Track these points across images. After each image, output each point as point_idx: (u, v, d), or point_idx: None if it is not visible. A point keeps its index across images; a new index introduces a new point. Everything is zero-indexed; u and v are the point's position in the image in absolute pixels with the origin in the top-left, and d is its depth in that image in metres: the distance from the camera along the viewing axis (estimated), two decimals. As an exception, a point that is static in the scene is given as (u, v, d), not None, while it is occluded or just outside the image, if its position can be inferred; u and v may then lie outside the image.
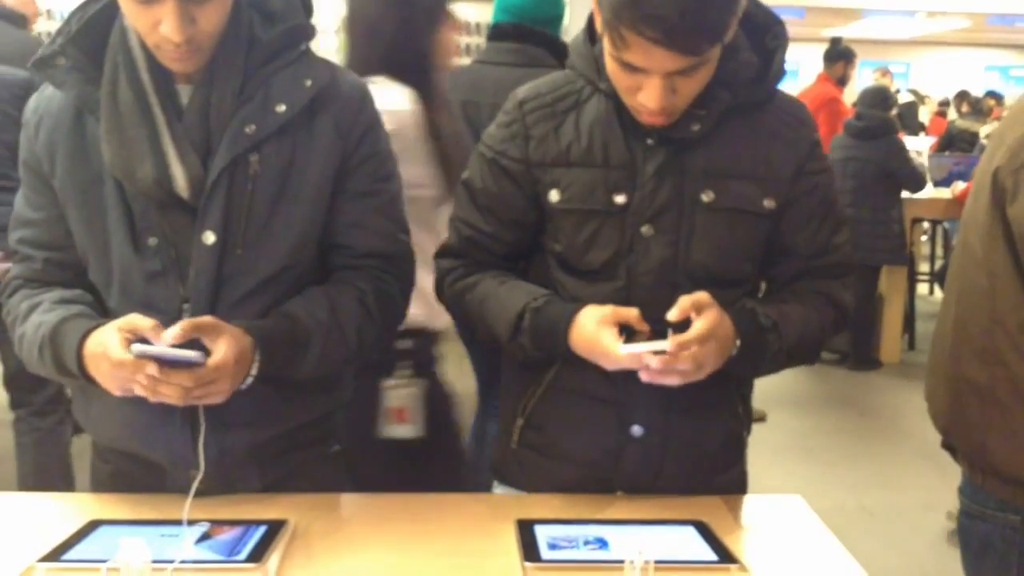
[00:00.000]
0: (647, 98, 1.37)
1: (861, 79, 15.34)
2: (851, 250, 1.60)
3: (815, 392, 5.52)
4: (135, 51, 1.39)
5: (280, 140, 1.41)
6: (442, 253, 1.63)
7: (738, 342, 1.41)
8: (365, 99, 1.51)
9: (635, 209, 1.47)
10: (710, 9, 1.28)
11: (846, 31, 15.11)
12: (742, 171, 1.48)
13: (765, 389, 5.39)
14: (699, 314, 1.35)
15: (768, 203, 1.50)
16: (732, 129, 1.48)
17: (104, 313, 1.42)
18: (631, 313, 1.37)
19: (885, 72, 8.94)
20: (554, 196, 1.50)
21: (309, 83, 1.43)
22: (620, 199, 1.47)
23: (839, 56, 6.66)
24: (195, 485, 1.37)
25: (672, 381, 1.36)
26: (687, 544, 1.35)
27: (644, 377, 1.36)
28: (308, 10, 1.51)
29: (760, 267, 1.57)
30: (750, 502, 1.58)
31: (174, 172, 1.36)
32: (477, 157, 1.58)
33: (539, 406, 1.57)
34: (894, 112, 6.01)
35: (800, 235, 1.54)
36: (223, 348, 1.29)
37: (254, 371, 1.35)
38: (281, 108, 1.40)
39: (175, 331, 1.26)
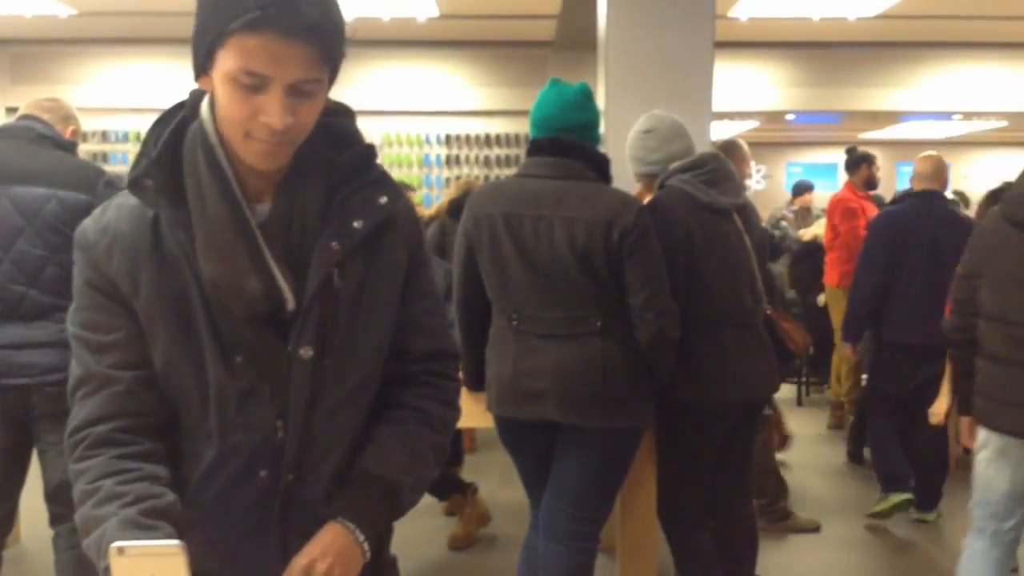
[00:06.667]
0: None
1: (901, 179, 15.34)
2: None
3: (867, 499, 5.34)
4: (223, 163, 1.38)
5: (355, 255, 1.44)
6: None
7: None
8: (413, 210, 1.58)
9: None
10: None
11: (883, 134, 15.19)
12: None
13: (817, 498, 5.24)
14: None
15: None
16: None
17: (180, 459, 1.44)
18: None
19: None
20: None
21: (384, 200, 1.47)
22: None
23: (858, 162, 6.63)
24: None
25: None
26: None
27: None
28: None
29: None
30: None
31: (281, 286, 1.38)
32: None
33: None
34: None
35: None
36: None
37: (368, 546, 1.40)
38: (358, 224, 1.43)
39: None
